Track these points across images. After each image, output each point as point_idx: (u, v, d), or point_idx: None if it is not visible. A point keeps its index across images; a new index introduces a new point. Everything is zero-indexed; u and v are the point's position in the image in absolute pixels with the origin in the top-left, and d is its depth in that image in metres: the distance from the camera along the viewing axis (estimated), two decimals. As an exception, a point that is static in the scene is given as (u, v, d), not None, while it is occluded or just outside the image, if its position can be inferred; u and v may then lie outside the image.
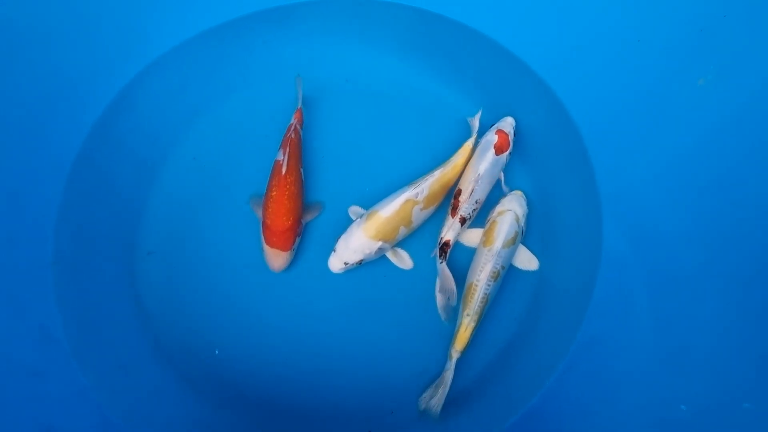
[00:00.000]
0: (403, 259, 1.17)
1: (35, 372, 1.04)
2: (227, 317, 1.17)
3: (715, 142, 1.05)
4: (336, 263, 1.12)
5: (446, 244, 1.12)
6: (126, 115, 1.26)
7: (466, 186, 1.14)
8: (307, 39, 1.33)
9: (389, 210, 1.10)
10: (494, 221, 1.11)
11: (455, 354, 1.06)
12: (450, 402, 1.07)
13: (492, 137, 1.16)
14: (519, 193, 1.18)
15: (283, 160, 1.17)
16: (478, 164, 1.14)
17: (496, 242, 1.08)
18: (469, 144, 1.16)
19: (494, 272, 1.07)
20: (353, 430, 1.11)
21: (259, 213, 1.18)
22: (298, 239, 1.16)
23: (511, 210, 1.11)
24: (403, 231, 1.12)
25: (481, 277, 1.06)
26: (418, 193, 1.10)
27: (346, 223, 1.16)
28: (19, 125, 1.16)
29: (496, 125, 1.19)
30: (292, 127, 1.22)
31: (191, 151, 1.28)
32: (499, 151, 1.15)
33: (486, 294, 1.06)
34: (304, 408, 1.13)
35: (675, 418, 0.91)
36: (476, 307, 1.05)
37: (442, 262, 1.12)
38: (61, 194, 1.19)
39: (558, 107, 1.23)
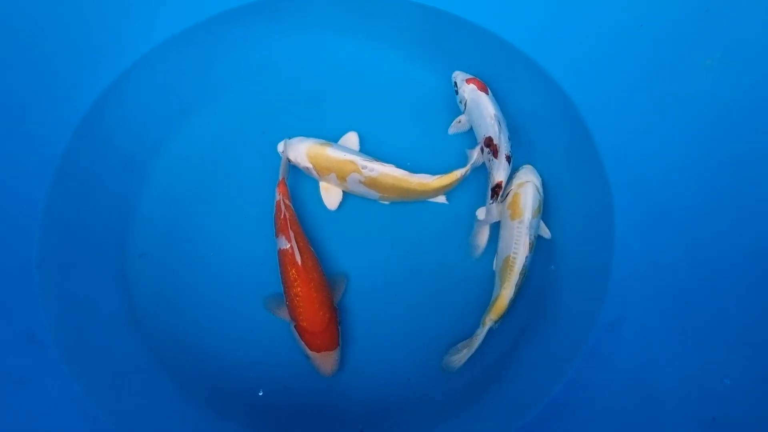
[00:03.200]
0: (329, 197, 1.17)
1: (24, 379, 0.97)
2: (223, 320, 1.13)
3: (724, 122, 1.05)
4: (282, 144, 1.17)
5: (498, 185, 1.14)
6: (115, 111, 1.23)
7: (489, 129, 1.14)
8: (302, 33, 1.31)
9: (335, 153, 1.11)
10: (516, 194, 1.11)
11: (489, 322, 1.04)
12: (468, 392, 1.05)
13: (467, 87, 1.17)
14: (529, 166, 1.18)
15: (292, 247, 1.04)
16: (484, 109, 1.15)
17: (526, 213, 1.08)
18: (457, 173, 1.10)
19: (530, 244, 1.07)
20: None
21: (283, 314, 1.07)
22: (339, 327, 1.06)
23: (530, 181, 1.12)
24: (333, 177, 1.13)
25: (520, 249, 1.06)
26: (365, 167, 1.09)
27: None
28: (2, 120, 1.11)
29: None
30: (282, 205, 1.09)
31: (183, 150, 1.24)
32: (483, 89, 1.17)
33: (524, 266, 1.06)
34: (304, 413, 1.08)
35: (720, 393, 0.89)
36: (516, 279, 1.05)
37: (493, 203, 1.14)
38: (46, 193, 1.15)
39: (560, 96, 1.23)
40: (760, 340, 0.90)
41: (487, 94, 1.17)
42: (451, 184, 1.10)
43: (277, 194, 1.11)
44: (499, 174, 1.14)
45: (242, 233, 1.17)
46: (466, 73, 1.21)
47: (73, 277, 1.11)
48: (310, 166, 1.13)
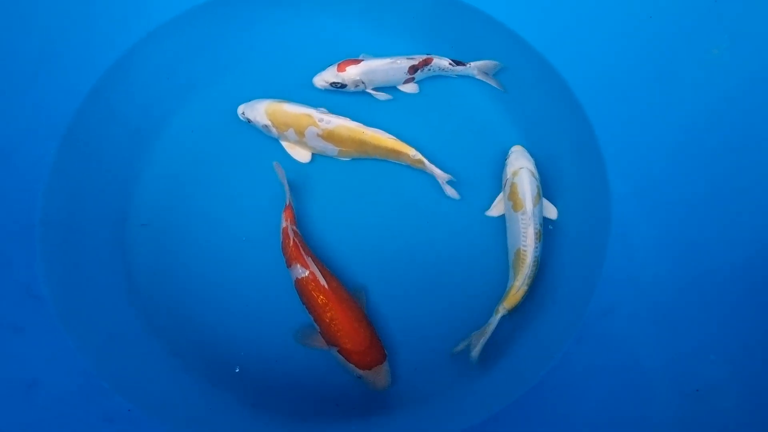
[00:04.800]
0: (297, 152, 1.19)
1: (17, 328, 0.98)
2: (220, 292, 1.13)
3: (726, 110, 1.05)
4: (241, 107, 1.20)
5: (456, 62, 1.23)
6: (123, 84, 1.24)
7: (404, 65, 1.21)
8: (309, 16, 1.32)
9: (292, 107, 1.15)
10: (513, 183, 1.10)
11: (502, 310, 1.04)
12: (460, 374, 1.04)
13: (348, 73, 1.20)
14: (519, 148, 1.16)
15: (312, 273, 1.01)
16: (381, 65, 1.21)
17: (527, 203, 1.08)
18: (411, 150, 1.13)
19: (537, 233, 1.07)
20: (350, 410, 1.05)
21: (318, 344, 1.03)
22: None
23: (523, 167, 1.11)
24: (291, 133, 1.15)
25: (528, 242, 1.06)
26: (322, 119, 1.12)
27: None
28: (18, 82, 1.14)
29: None
30: (290, 232, 1.06)
31: (188, 124, 1.25)
32: (358, 60, 1.21)
33: (536, 257, 1.06)
34: (300, 386, 1.07)
35: (706, 369, 0.89)
36: (529, 272, 1.05)
37: (468, 65, 1.24)
38: (54, 156, 1.16)
39: (559, 81, 1.23)
40: (749, 318, 0.89)
41: (363, 59, 1.20)
42: (402, 153, 1.12)
43: (283, 221, 1.08)
44: (443, 61, 1.22)
45: (242, 209, 1.17)
46: (322, 70, 1.22)
47: (73, 239, 1.12)
48: (268, 123, 1.15)
